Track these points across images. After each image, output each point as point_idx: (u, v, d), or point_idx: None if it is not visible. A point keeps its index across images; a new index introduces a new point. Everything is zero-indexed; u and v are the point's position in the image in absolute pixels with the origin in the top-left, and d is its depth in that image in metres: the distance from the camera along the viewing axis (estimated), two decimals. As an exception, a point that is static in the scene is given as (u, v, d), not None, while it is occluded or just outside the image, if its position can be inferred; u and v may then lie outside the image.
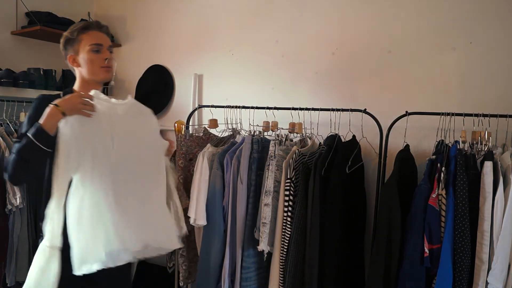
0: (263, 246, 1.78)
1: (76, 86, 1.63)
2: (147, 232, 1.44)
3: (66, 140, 1.38)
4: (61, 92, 1.61)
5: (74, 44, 1.59)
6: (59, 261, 1.35)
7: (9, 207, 2.05)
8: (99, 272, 1.35)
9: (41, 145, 1.33)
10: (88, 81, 1.60)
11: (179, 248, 2.15)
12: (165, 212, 1.56)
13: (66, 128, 1.38)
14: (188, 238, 2.17)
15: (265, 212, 1.79)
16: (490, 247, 1.45)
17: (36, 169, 1.42)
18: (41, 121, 1.34)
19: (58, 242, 1.35)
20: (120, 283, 1.64)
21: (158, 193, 1.57)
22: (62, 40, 1.63)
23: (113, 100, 1.54)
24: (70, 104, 1.39)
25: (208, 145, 2.02)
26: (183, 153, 2.12)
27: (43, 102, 1.43)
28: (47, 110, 1.36)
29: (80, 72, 1.61)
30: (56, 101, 1.37)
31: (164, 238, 1.50)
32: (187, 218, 2.05)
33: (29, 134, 1.33)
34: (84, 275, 1.34)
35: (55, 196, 1.37)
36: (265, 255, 1.82)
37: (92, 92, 1.45)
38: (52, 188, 1.37)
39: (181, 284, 2.18)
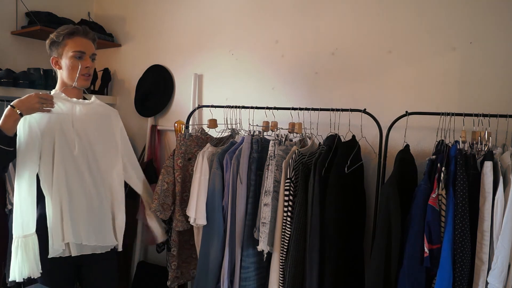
0: (262, 246, 1.78)
1: (57, 88, 1.69)
2: (88, 232, 1.65)
3: (25, 138, 1.52)
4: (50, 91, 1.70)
5: (58, 47, 1.63)
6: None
7: (9, 207, 2.05)
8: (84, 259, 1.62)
9: (1, 145, 1.43)
10: (67, 85, 1.67)
11: (170, 248, 2.16)
12: (107, 217, 1.75)
13: (25, 127, 1.52)
14: (181, 238, 2.17)
15: (265, 212, 1.79)
16: (490, 247, 1.45)
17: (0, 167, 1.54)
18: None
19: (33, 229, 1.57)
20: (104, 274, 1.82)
21: (105, 198, 1.74)
22: (48, 41, 1.65)
23: (74, 99, 1.68)
24: (27, 104, 1.49)
25: (208, 144, 2.02)
26: (182, 153, 2.12)
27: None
28: (5, 111, 1.46)
29: (60, 75, 1.67)
30: (13, 102, 1.48)
31: (100, 239, 1.70)
32: (185, 218, 2.05)
33: None
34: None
35: (23, 190, 1.56)
36: (265, 255, 1.82)
37: (52, 92, 1.58)
38: (16, 182, 1.54)
39: (168, 283, 2.17)
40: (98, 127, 1.73)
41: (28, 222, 1.56)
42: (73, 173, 1.62)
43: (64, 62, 1.63)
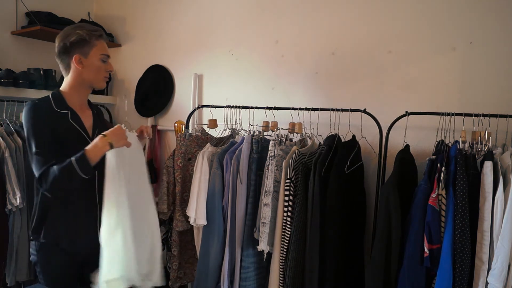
0: (262, 246, 1.78)
1: (65, 87, 1.63)
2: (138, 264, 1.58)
3: (113, 167, 1.50)
4: (48, 94, 1.61)
5: (85, 46, 1.57)
6: None
7: (9, 207, 2.05)
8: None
9: (81, 173, 1.42)
10: (83, 85, 1.62)
11: (170, 248, 2.17)
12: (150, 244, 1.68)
13: (113, 157, 1.50)
14: (182, 238, 2.17)
15: (265, 212, 1.79)
16: (490, 247, 1.45)
17: (71, 189, 1.51)
18: (88, 148, 1.44)
19: None
20: None
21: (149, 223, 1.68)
22: (73, 38, 1.55)
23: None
24: (117, 136, 1.49)
25: (208, 144, 2.02)
26: (182, 153, 2.13)
27: (39, 110, 1.51)
28: (96, 140, 1.46)
29: (79, 74, 1.60)
30: (105, 133, 1.48)
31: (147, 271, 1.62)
32: (186, 218, 2.05)
33: (73, 160, 1.41)
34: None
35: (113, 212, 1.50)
36: (265, 255, 1.82)
37: (122, 126, 1.54)
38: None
39: (170, 284, 2.17)
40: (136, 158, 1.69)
41: None
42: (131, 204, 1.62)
43: (91, 62, 1.59)
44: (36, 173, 1.45)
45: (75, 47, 1.57)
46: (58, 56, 1.60)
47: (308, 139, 1.99)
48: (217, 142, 2.12)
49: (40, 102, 1.54)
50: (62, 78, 2.72)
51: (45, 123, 1.49)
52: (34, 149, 1.45)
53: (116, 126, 1.53)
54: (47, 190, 1.45)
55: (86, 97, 1.68)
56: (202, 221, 1.93)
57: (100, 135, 1.47)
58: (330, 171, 1.73)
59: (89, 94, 1.69)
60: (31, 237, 1.58)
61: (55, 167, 1.42)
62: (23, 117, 1.51)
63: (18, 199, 2.05)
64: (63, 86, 1.64)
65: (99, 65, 1.60)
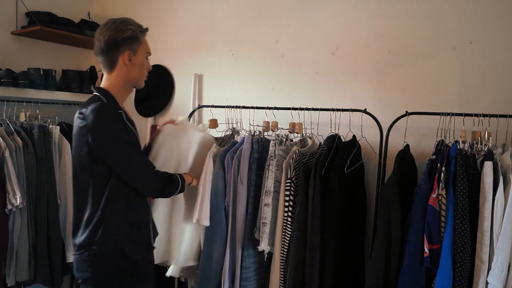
0: (263, 246, 1.78)
1: (112, 86, 1.53)
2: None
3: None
4: (96, 93, 1.52)
5: (135, 43, 1.51)
6: None
7: (9, 207, 2.05)
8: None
9: (177, 192, 1.65)
10: (129, 84, 1.57)
11: None
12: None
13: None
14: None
15: (265, 212, 1.79)
16: (490, 247, 1.45)
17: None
18: (185, 177, 1.69)
19: None
20: None
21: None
22: (125, 33, 1.48)
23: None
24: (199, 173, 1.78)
25: (214, 144, 2.02)
26: (183, 153, 2.12)
27: (114, 114, 1.47)
28: (188, 178, 1.74)
29: (126, 72, 1.52)
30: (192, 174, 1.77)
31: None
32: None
33: (179, 177, 1.64)
34: None
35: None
36: (265, 255, 1.82)
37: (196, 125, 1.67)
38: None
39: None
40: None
41: None
42: None
43: (138, 60, 1.53)
44: (147, 171, 1.51)
45: (126, 43, 1.49)
46: (105, 51, 1.49)
47: (308, 139, 1.99)
48: (220, 142, 2.11)
49: (109, 105, 1.46)
50: (62, 78, 2.74)
51: (122, 125, 1.48)
52: (130, 148, 1.48)
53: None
54: (155, 191, 1.57)
55: (126, 98, 1.61)
56: (206, 222, 1.92)
57: (187, 175, 1.73)
58: (330, 171, 1.73)
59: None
60: (81, 251, 1.48)
61: (164, 173, 1.58)
62: (99, 121, 1.41)
63: (18, 199, 2.04)
64: (108, 85, 1.54)
65: (144, 63, 1.56)
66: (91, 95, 1.53)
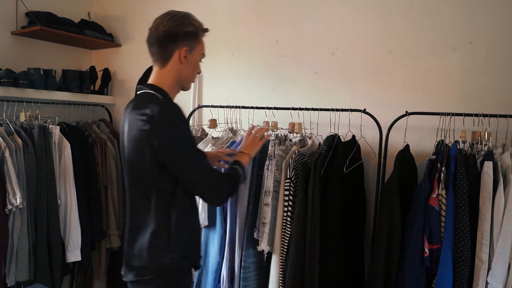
0: (263, 246, 1.78)
1: (165, 83, 1.41)
2: None
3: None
4: (150, 91, 1.40)
5: (193, 40, 1.42)
6: None
7: (9, 207, 2.05)
8: None
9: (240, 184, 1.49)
10: (178, 83, 1.45)
11: None
12: None
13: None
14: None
15: (265, 212, 1.79)
16: (490, 247, 1.45)
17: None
18: (241, 162, 1.50)
19: None
20: None
21: None
22: (187, 28, 1.39)
23: None
24: (254, 148, 1.60)
25: (210, 144, 2.03)
26: (183, 153, 2.12)
27: (183, 115, 1.35)
28: (245, 158, 1.54)
29: (179, 69, 1.41)
30: (243, 150, 1.56)
31: None
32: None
33: (238, 169, 1.46)
34: None
35: None
36: (265, 255, 1.82)
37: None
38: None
39: None
40: None
41: None
42: None
43: (193, 59, 1.42)
44: (211, 177, 1.35)
45: (186, 38, 1.38)
46: (162, 41, 1.38)
47: (308, 139, 1.99)
48: (216, 141, 2.11)
49: (175, 104, 1.35)
50: (62, 78, 2.74)
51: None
52: (194, 152, 1.34)
53: (251, 138, 1.59)
54: (221, 195, 1.40)
55: None
56: (204, 221, 1.93)
57: (240, 153, 1.54)
58: (330, 171, 1.73)
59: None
60: (150, 275, 1.34)
61: (223, 175, 1.45)
62: (169, 123, 1.29)
63: (18, 199, 2.04)
64: (160, 82, 1.41)
65: (197, 64, 1.46)
66: (142, 93, 1.40)
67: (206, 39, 2.59)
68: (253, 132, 1.66)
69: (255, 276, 1.90)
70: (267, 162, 1.85)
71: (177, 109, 1.31)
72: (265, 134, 1.73)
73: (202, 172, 1.34)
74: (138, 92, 1.43)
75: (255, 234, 1.84)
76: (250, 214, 1.87)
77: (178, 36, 1.37)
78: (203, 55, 1.49)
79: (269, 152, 1.85)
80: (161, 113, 1.27)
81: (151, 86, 1.39)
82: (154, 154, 1.28)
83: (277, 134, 1.98)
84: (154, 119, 1.26)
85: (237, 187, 1.47)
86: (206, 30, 1.47)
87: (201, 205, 1.93)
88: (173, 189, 1.33)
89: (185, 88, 1.49)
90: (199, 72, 1.50)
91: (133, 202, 1.41)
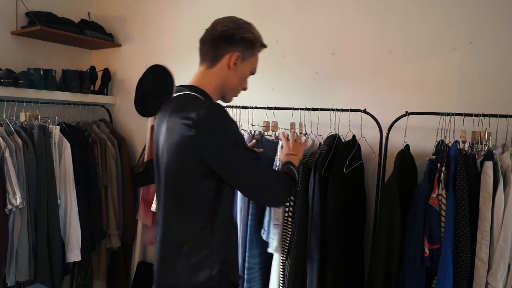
0: (275, 248, 1.77)
1: (208, 87, 1.33)
2: None
3: None
4: (193, 93, 1.33)
5: (248, 50, 1.33)
6: None
7: (9, 207, 2.05)
8: None
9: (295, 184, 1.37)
10: (220, 91, 1.36)
11: None
12: None
13: None
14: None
15: (278, 214, 1.77)
16: (490, 247, 1.45)
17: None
18: (292, 163, 1.41)
19: None
20: None
21: None
22: (246, 34, 1.32)
23: None
24: (301, 151, 1.54)
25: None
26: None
27: (226, 112, 1.22)
28: (296, 159, 1.46)
29: (225, 75, 1.32)
30: (293, 152, 1.49)
31: None
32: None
33: (294, 170, 1.37)
34: None
35: None
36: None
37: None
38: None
39: None
40: None
41: None
42: None
43: (242, 69, 1.33)
44: (271, 177, 1.25)
45: (242, 44, 1.30)
46: (215, 40, 1.31)
47: (308, 139, 1.99)
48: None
49: (217, 102, 1.28)
50: (62, 78, 2.74)
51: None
52: (248, 154, 1.23)
53: (297, 143, 1.55)
54: (282, 195, 1.30)
55: None
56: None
57: (289, 155, 1.47)
58: (330, 171, 1.73)
59: None
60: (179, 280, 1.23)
61: (282, 175, 1.32)
62: (220, 127, 1.18)
63: (18, 199, 2.05)
64: (202, 83, 1.33)
65: (245, 77, 1.36)
66: (182, 95, 1.33)
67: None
68: (289, 137, 1.59)
69: (259, 277, 1.89)
70: (276, 162, 1.84)
71: (224, 110, 1.20)
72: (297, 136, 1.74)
73: (261, 173, 1.23)
74: (176, 94, 1.34)
75: (264, 236, 1.82)
76: (252, 214, 1.87)
77: (234, 39, 1.30)
78: (254, 70, 1.39)
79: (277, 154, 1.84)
80: (208, 117, 1.16)
81: (193, 88, 1.31)
82: (200, 162, 1.18)
83: (276, 134, 1.98)
84: (200, 123, 1.15)
85: (295, 186, 1.41)
86: (264, 45, 1.39)
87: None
88: (214, 201, 1.23)
89: (226, 99, 1.39)
90: (245, 88, 1.40)
91: (169, 214, 1.28)
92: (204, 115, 1.16)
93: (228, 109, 2.11)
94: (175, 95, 1.34)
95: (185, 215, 1.24)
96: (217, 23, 1.34)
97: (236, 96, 1.39)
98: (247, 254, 1.86)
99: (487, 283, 1.45)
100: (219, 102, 1.38)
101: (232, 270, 1.31)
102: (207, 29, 1.35)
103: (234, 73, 1.32)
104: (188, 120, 1.17)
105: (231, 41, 1.29)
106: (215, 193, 1.23)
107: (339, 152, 1.80)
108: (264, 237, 1.82)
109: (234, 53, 1.29)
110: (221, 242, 1.25)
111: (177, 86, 1.36)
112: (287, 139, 1.59)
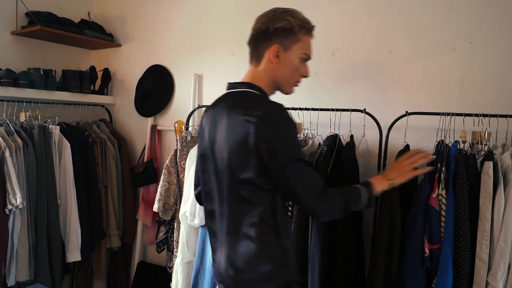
0: None
1: (263, 84, 1.30)
2: None
3: None
4: (253, 91, 1.30)
5: (288, 38, 1.27)
6: None
7: (9, 207, 2.05)
8: None
9: (357, 207, 1.25)
10: (275, 85, 1.33)
11: (170, 248, 2.17)
12: None
13: None
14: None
15: None
16: (490, 247, 1.45)
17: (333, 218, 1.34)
18: (375, 185, 1.27)
19: None
20: None
21: None
22: (278, 23, 1.27)
23: None
24: (400, 171, 1.34)
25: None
26: (185, 154, 2.13)
27: (289, 114, 1.21)
28: (384, 184, 1.29)
29: (271, 69, 1.30)
30: (391, 174, 1.32)
31: None
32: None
33: (361, 189, 1.24)
34: None
35: None
36: None
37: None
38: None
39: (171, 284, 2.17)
40: None
41: None
42: None
43: (288, 59, 1.28)
44: (317, 188, 1.18)
45: (278, 35, 1.27)
46: (255, 40, 1.32)
47: (308, 139, 1.99)
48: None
49: (283, 106, 1.22)
50: (62, 78, 2.74)
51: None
52: (302, 157, 1.21)
53: (405, 164, 1.34)
54: (321, 212, 1.22)
55: None
56: (202, 221, 1.92)
57: (383, 176, 1.31)
58: (334, 171, 1.73)
59: None
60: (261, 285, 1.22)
61: (334, 189, 1.23)
62: (282, 126, 1.18)
63: (18, 199, 2.04)
64: (256, 80, 1.31)
65: (296, 65, 1.30)
66: (238, 91, 1.31)
67: (206, 38, 2.61)
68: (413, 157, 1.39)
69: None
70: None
71: (286, 111, 1.19)
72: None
73: (311, 180, 1.19)
74: (231, 90, 1.34)
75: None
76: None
77: (268, 33, 1.28)
78: (305, 56, 1.31)
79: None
80: (274, 114, 1.17)
81: (249, 84, 1.30)
82: (262, 159, 1.17)
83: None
84: (266, 120, 1.15)
85: (348, 209, 1.22)
86: (310, 27, 1.31)
87: (198, 204, 1.93)
88: (274, 197, 1.22)
89: (284, 91, 1.34)
90: (304, 75, 1.35)
91: (231, 213, 1.26)
92: (268, 113, 1.17)
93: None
94: (229, 91, 1.34)
95: (249, 213, 1.22)
96: (256, 22, 1.33)
97: (296, 85, 1.35)
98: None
99: (487, 283, 1.45)
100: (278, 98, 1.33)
101: (294, 266, 1.29)
102: (251, 30, 1.36)
103: (281, 65, 1.29)
104: (253, 117, 1.16)
105: (267, 36, 1.28)
106: (274, 191, 1.22)
107: (343, 153, 1.79)
108: None
109: (272, 46, 1.28)
110: (285, 235, 1.25)
111: (230, 83, 1.35)
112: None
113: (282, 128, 1.17)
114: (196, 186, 1.48)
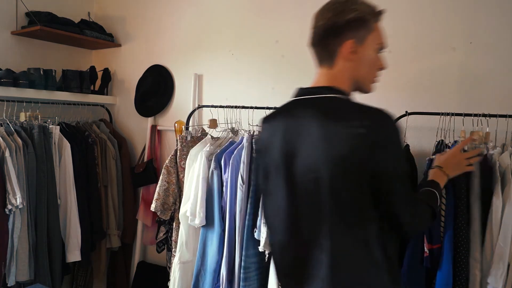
0: (263, 245, 1.78)
1: (342, 85, 1.14)
2: None
3: None
4: (342, 96, 1.14)
5: (361, 29, 1.10)
6: None
7: (9, 207, 2.05)
8: None
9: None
10: (354, 85, 1.17)
11: (170, 248, 2.17)
12: None
13: None
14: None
15: None
16: (490, 247, 1.45)
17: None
18: (441, 186, 1.22)
19: None
20: None
21: None
22: (349, 15, 1.09)
23: None
24: (454, 162, 1.28)
25: (208, 144, 2.03)
26: (185, 154, 2.13)
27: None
28: (443, 179, 1.23)
29: (350, 69, 1.14)
30: (441, 163, 1.26)
31: None
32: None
33: (438, 200, 1.18)
34: None
35: None
36: (267, 256, 1.81)
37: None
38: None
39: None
40: None
41: None
42: None
43: (365, 53, 1.12)
44: (415, 206, 1.10)
45: (350, 28, 1.09)
46: (322, 38, 1.14)
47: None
48: (215, 141, 2.12)
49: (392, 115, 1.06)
50: (62, 78, 2.74)
51: None
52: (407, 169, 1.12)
53: (460, 156, 1.27)
54: (418, 227, 1.17)
55: None
56: (202, 221, 1.93)
57: (436, 169, 1.24)
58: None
59: None
60: None
61: (424, 202, 1.15)
62: (397, 137, 1.06)
63: (18, 199, 2.04)
64: (337, 84, 1.13)
65: (374, 58, 1.14)
66: (323, 97, 1.14)
67: (206, 38, 2.61)
68: (466, 147, 1.33)
69: (256, 277, 1.90)
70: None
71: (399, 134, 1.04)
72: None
73: (410, 200, 1.09)
74: (309, 96, 1.19)
75: (255, 234, 1.83)
76: (250, 214, 1.87)
77: (339, 28, 1.09)
78: (380, 46, 1.15)
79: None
80: (384, 123, 1.03)
81: (334, 89, 1.12)
82: (372, 175, 1.02)
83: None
84: (378, 130, 1.01)
85: (434, 218, 1.16)
86: (379, 13, 1.12)
87: (199, 204, 1.93)
88: (373, 219, 1.07)
89: (364, 90, 1.19)
90: (381, 68, 1.18)
91: (335, 235, 1.07)
92: (378, 121, 1.02)
93: (227, 109, 2.13)
94: (306, 97, 1.19)
95: (356, 234, 1.06)
96: (318, 19, 1.14)
97: (375, 82, 1.20)
98: (243, 253, 1.86)
99: (487, 283, 1.45)
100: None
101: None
102: (311, 30, 1.17)
103: (358, 62, 1.12)
104: (362, 128, 1.00)
105: (337, 31, 1.10)
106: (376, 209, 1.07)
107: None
108: (256, 235, 1.83)
109: (346, 42, 1.10)
110: (395, 261, 1.14)
111: (303, 88, 1.21)
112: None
113: (394, 138, 1.04)
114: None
